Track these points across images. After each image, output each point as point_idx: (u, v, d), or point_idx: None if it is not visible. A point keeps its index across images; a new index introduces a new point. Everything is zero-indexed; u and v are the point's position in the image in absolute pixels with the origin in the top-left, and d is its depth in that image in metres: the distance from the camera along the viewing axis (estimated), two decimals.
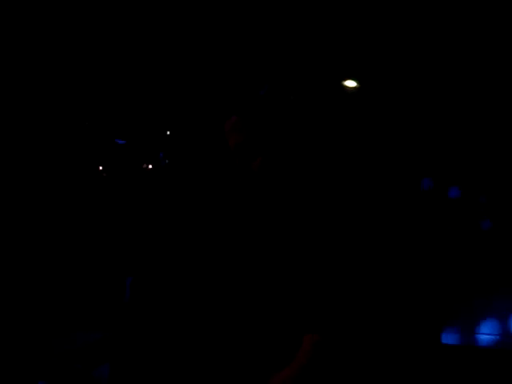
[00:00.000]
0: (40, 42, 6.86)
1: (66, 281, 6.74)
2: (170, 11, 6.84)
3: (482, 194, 9.45)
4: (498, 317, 7.18)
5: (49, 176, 7.43)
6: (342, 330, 2.05)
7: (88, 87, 7.60)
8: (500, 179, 9.40)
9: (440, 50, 7.60)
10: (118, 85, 7.66)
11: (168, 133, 7.89)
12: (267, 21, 6.92)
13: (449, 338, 6.31)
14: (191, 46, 7.27)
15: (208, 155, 7.27)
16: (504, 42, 7.43)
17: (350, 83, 8.03)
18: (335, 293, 2.04)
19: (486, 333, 6.55)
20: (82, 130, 7.82)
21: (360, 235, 2.12)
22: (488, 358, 5.44)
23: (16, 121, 7.08)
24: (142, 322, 6.49)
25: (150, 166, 7.95)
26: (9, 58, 6.74)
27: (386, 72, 8.01)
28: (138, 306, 6.55)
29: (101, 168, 8.01)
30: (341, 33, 7.35)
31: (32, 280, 6.58)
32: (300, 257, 2.06)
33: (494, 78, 8.10)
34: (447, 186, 9.53)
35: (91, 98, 7.70)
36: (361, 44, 7.62)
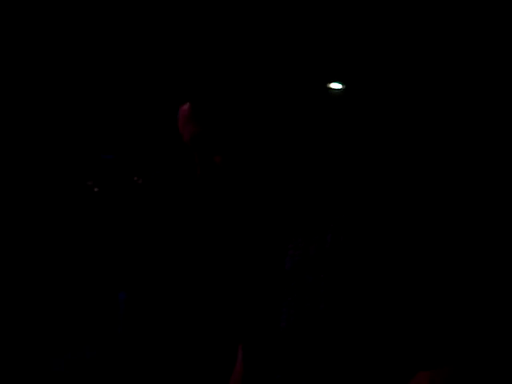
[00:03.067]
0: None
1: (55, 295, 6.68)
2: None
3: None
4: None
5: (39, 190, 7.39)
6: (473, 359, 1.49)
7: (73, 102, 7.56)
8: None
9: (429, 50, 7.55)
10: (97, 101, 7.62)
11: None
12: (247, 15, 6.86)
13: None
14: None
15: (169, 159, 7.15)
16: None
17: (335, 85, 7.98)
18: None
19: None
20: (68, 144, 7.78)
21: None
22: None
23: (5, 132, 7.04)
24: (139, 336, 6.42)
25: (140, 180, 7.91)
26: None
27: (373, 73, 7.97)
28: (135, 321, 6.49)
29: (90, 183, 7.96)
30: (327, 33, 7.32)
31: (20, 295, 6.52)
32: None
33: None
34: None
35: (77, 112, 7.66)
36: (347, 44, 7.58)
